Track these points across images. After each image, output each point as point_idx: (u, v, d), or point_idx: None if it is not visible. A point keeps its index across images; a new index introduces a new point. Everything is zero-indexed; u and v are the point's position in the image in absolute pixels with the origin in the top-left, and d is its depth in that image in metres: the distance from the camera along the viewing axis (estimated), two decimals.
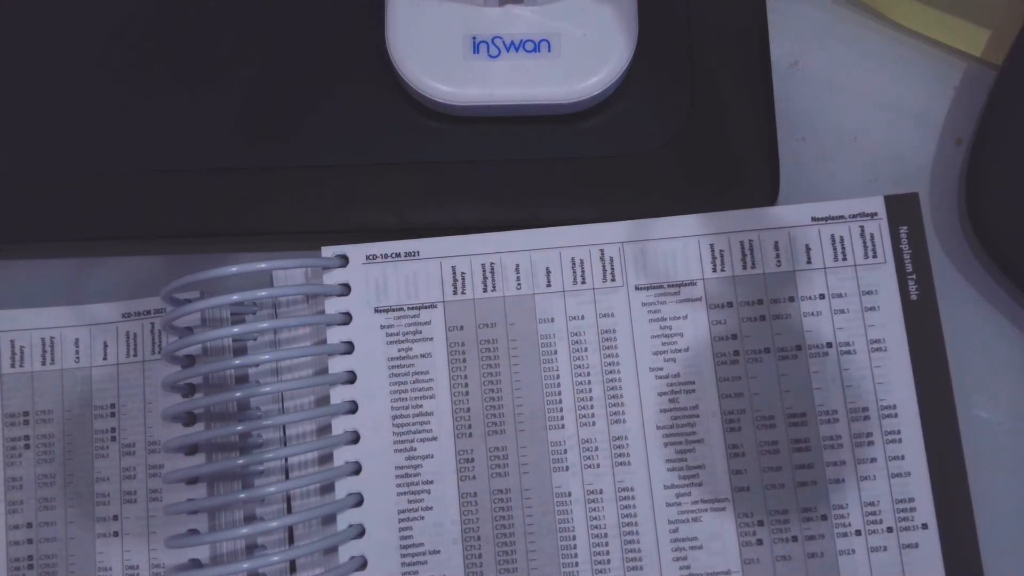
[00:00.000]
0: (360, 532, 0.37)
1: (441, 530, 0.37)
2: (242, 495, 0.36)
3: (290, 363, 0.39)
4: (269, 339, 0.40)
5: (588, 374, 0.38)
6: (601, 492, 0.38)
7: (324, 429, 0.39)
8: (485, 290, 0.39)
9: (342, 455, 0.38)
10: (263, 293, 0.37)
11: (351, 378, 0.38)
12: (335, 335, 0.39)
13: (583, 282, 0.39)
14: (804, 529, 0.37)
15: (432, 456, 0.38)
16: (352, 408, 0.38)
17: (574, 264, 0.39)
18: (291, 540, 0.38)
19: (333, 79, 0.41)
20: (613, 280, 0.39)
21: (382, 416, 0.38)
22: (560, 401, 0.38)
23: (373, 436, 0.38)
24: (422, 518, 0.38)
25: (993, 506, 0.38)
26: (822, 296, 0.39)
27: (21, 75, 0.41)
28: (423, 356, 0.39)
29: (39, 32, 0.42)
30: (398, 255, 0.39)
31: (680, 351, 0.38)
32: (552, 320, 0.39)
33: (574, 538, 0.37)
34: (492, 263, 0.39)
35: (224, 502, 0.37)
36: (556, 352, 0.38)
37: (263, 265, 0.37)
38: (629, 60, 0.39)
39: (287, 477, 0.39)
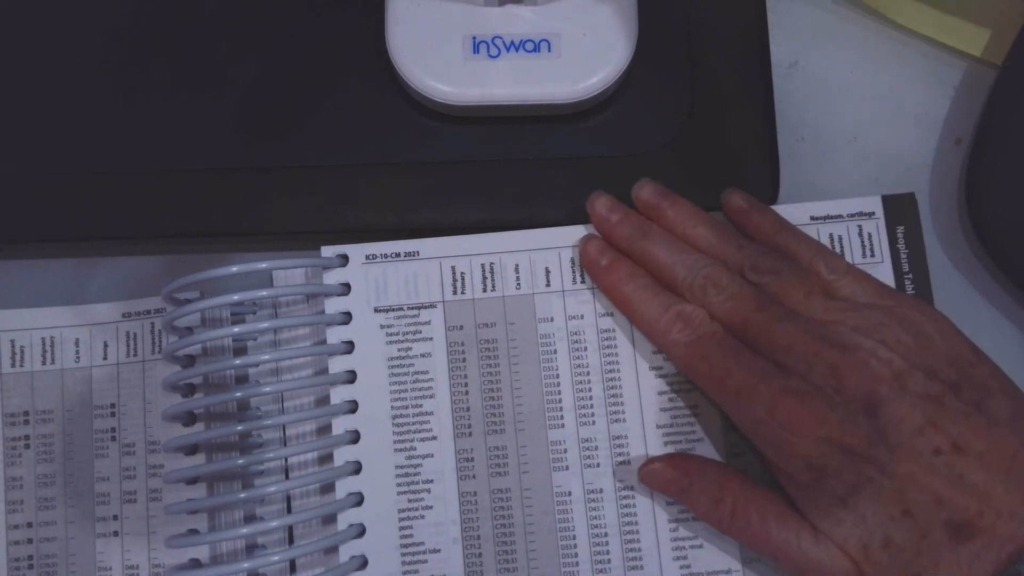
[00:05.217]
0: (360, 532, 0.37)
1: (441, 529, 0.37)
2: (242, 495, 0.36)
3: (290, 363, 0.39)
4: (269, 339, 0.40)
5: (588, 373, 0.38)
6: (601, 491, 0.38)
7: (324, 429, 0.39)
8: (485, 290, 0.39)
9: (342, 455, 0.38)
10: (263, 293, 0.37)
11: (351, 378, 0.38)
12: (335, 335, 0.39)
13: (582, 282, 0.39)
14: None
15: (432, 455, 0.38)
16: (352, 408, 0.38)
17: (574, 264, 0.39)
18: (291, 540, 0.38)
19: (333, 79, 0.41)
20: None
21: (382, 416, 0.38)
22: (560, 400, 0.38)
23: (373, 436, 0.38)
24: (422, 517, 0.38)
25: None
26: None
27: (21, 75, 0.41)
28: (423, 356, 0.39)
29: (39, 32, 0.42)
30: (398, 255, 0.39)
31: None
32: (552, 319, 0.39)
33: (574, 537, 0.37)
34: (492, 263, 0.39)
35: (224, 502, 0.37)
36: (556, 351, 0.39)
37: (263, 265, 0.37)
38: (629, 60, 0.39)
39: (287, 477, 0.39)
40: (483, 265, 0.39)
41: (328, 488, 0.38)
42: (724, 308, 0.35)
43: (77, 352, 0.40)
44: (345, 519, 0.37)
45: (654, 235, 0.37)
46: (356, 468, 0.38)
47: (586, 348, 0.39)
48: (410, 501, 0.38)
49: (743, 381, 0.34)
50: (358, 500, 0.38)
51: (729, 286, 0.35)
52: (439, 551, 0.37)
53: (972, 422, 0.32)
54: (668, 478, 0.36)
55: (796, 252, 0.37)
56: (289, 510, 0.39)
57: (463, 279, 0.39)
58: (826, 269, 0.36)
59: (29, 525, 0.39)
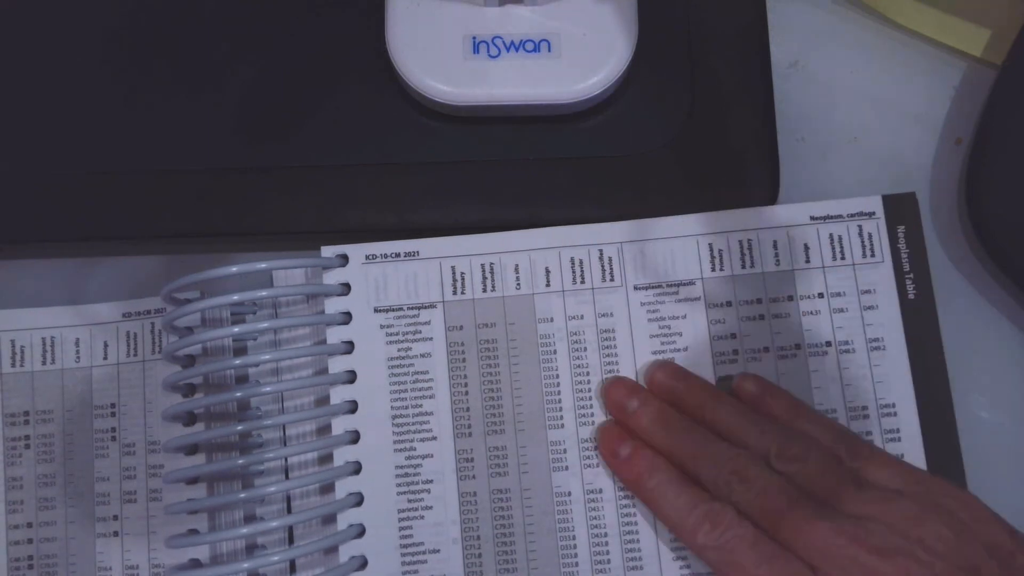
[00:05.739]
0: (360, 532, 0.37)
1: (441, 530, 0.37)
2: (242, 495, 0.36)
3: (290, 363, 0.39)
4: (269, 339, 0.40)
5: (587, 373, 0.38)
6: (601, 492, 0.38)
7: (324, 429, 0.39)
8: (485, 290, 0.39)
9: (342, 455, 0.38)
10: (263, 293, 0.37)
11: (351, 378, 0.38)
12: (335, 335, 0.39)
13: (582, 282, 0.39)
14: None
15: (432, 456, 0.38)
16: (352, 408, 0.38)
17: (573, 264, 0.39)
18: (291, 540, 0.38)
19: (333, 79, 0.41)
20: (612, 280, 0.39)
21: (382, 416, 0.38)
22: (559, 400, 0.38)
23: (373, 436, 0.38)
24: (422, 518, 0.38)
25: (992, 505, 0.38)
26: (821, 295, 0.39)
27: (21, 75, 0.41)
28: (423, 356, 0.39)
29: (39, 32, 0.42)
30: (398, 255, 0.39)
31: (679, 350, 0.38)
32: (551, 320, 0.39)
33: (574, 538, 0.37)
34: (492, 263, 0.39)
35: (224, 502, 0.37)
36: (555, 352, 0.39)
37: (263, 265, 0.37)
38: (629, 60, 0.39)
39: (287, 477, 0.39)
40: (483, 265, 0.39)
41: (328, 488, 0.38)
42: (753, 504, 0.33)
43: (77, 352, 0.40)
44: (345, 519, 0.37)
45: (673, 424, 0.36)
46: (356, 468, 0.38)
47: (586, 348, 0.39)
48: (410, 501, 0.38)
49: None
50: (358, 500, 0.38)
51: (756, 479, 0.34)
52: (439, 551, 0.37)
53: None
54: None
55: (816, 437, 0.35)
56: (289, 510, 0.39)
57: (463, 279, 0.39)
58: (848, 455, 0.35)
59: (29, 525, 0.39)
